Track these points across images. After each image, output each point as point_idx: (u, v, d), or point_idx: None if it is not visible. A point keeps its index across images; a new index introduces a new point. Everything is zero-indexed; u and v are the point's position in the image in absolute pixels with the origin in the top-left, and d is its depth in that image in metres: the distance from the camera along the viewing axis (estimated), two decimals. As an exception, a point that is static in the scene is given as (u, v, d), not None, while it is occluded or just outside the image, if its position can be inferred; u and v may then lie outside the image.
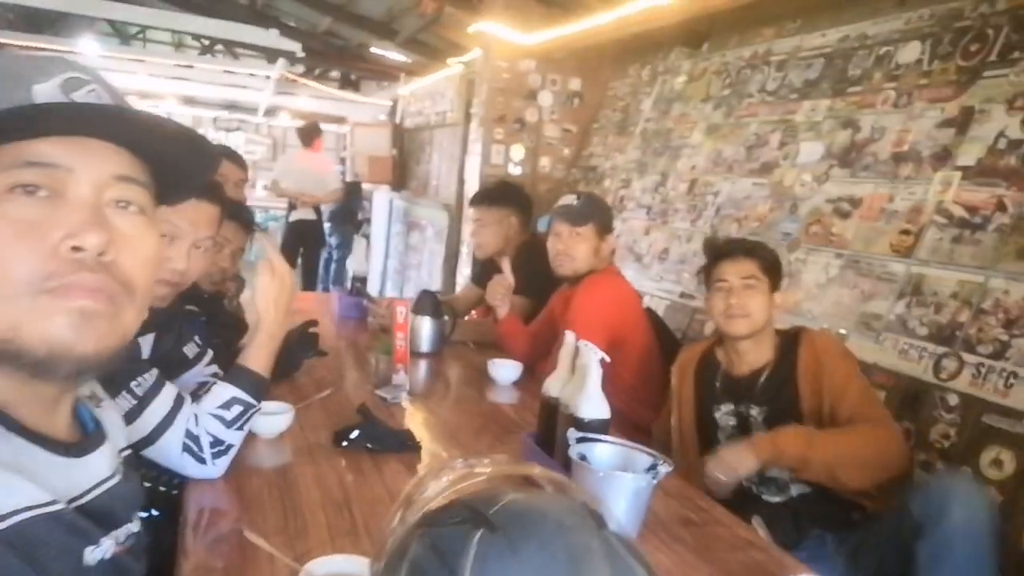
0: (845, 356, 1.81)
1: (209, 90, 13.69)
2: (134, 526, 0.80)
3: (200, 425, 1.39)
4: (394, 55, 7.04)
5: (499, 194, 3.08)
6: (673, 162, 3.60)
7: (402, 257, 7.22)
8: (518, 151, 4.51)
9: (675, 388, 1.97)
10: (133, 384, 1.33)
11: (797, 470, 1.70)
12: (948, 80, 2.41)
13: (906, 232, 2.35)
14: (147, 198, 0.73)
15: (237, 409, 1.44)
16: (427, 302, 2.66)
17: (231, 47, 12.23)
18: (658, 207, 3.57)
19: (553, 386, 1.62)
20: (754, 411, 1.83)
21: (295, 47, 6.95)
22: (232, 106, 16.84)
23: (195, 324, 1.85)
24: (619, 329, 2.27)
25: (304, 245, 6.62)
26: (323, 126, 13.80)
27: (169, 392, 1.38)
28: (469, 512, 0.70)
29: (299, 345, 2.24)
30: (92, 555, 0.70)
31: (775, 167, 2.95)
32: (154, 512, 1.44)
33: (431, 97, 6.41)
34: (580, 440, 1.41)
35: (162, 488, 1.47)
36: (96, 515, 0.72)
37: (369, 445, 1.65)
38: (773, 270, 1.85)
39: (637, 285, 3.06)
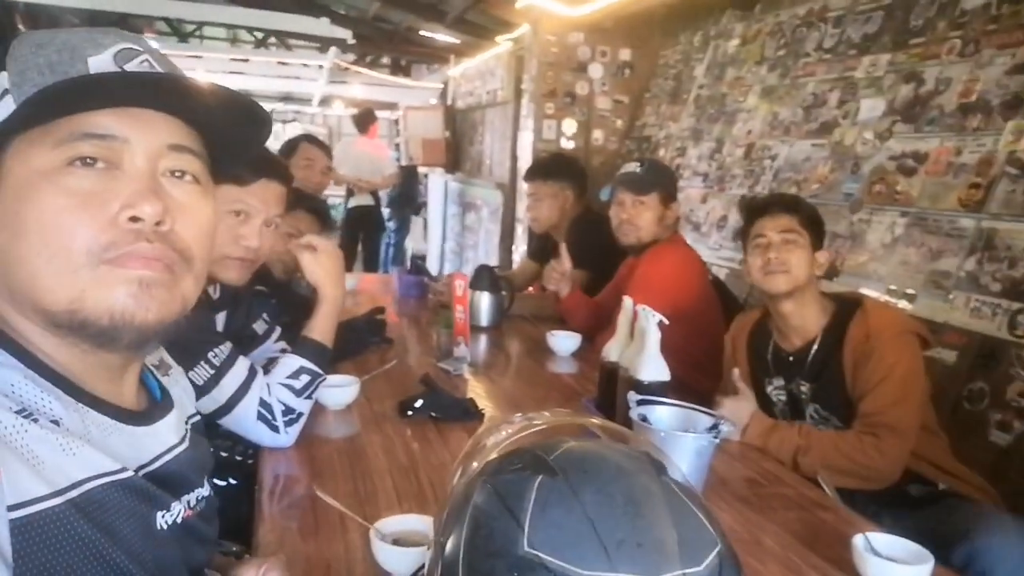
0: (899, 342, 1.64)
1: (265, 83, 13.97)
2: (204, 490, 0.83)
3: (272, 394, 1.45)
4: (443, 37, 7.05)
5: (553, 167, 3.08)
6: (728, 127, 3.53)
7: (458, 238, 7.29)
8: (570, 125, 4.48)
9: (727, 359, 1.94)
10: (210, 355, 1.39)
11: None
12: (1019, 23, 2.30)
13: (975, 186, 2.26)
14: (201, 168, 0.74)
15: (305, 379, 1.50)
16: (485, 277, 2.69)
17: (284, 39, 12.44)
18: (715, 174, 3.52)
19: (612, 350, 1.63)
20: (804, 388, 1.77)
21: (346, 34, 7.01)
22: (287, 98, 17.17)
23: (264, 303, 1.91)
24: (684, 299, 2.25)
25: (363, 230, 6.71)
26: (376, 112, 13.91)
27: (243, 363, 1.44)
28: (529, 459, 0.72)
29: (367, 331, 2.31)
30: (163, 519, 0.72)
31: (834, 127, 2.87)
32: (231, 480, 1.52)
33: (481, 77, 6.41)
34: (640, 403, 1.41)
35: (238, 457, 1.54)
36: (166, 481, 0.74)
37: (433, 414, 1.70)
38: (814, 226, 1.78)
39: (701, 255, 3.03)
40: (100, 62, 0.68)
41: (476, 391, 1.96)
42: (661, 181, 2.37)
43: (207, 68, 12.92)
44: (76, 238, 0.64)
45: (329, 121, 18.98)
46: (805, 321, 1.76)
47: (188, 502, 0.79)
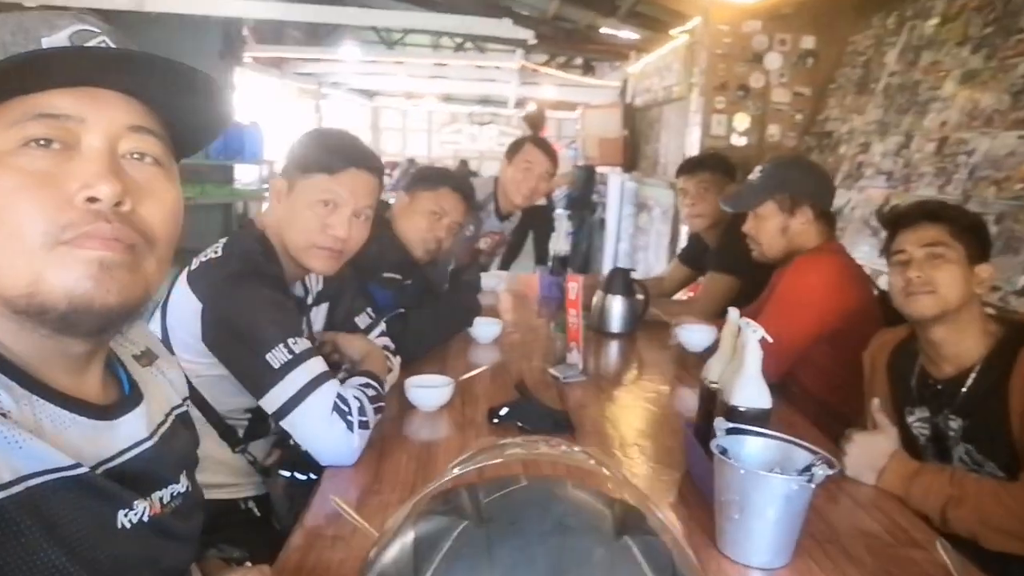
0: None
1: (464, 86, 14.56)
2: (180, 486, 0.80)
3: (350, 392, 1.42)
4: (623, 33, 6.90)
5: (701, 160, 2.87)
6: (919, 119, 3.09)
7: (631, 239, 7.09)
8: (742, 120, 4.17)
9: (866, 381, 1.65)
10: (290, 340, 1.37)
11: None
12: None
13: None
14: (163, 150, 0.71)
15: (373, 391, 1.47)
16: (619, 280, 2.54)
17: (478, 43, 12.86)
18: (900, 172, 3.09)
19: (713, 369, 1.44)
20: (953, 423, 1.46)
21: (527, 35, 7.07)
22: (485, 100, 17.79)
23: (371, 297, 1.92)
24: (832, 315, 1.97)
25: (534, 229, 6.70)
26: (563, 113, 13.99)
27: (320, 362, 1.43)
28: (465, 499, 0.61)
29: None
30: (126, 518, 0.70)
31: (1050, 115, 2.40)
32: (311, 475, 1.50)
33: (658, 73, 6.17)
34: (731, 432, 1.23)
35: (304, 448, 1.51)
36: (130, 478, 0.72)
37: (520, 423, 1.60)
38: (970, 236, 1.47)
39: (875, 263, 2.67)
40: (55, 42, 0.66)
41: (581, 401, 1.83)
42: (779, 186, 2.09)
43: (409, 73, 13.72)
44: (32, 219, 0.63)
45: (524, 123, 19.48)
46: (960, 348, 1.45)
47: (160, 499, 0.76)
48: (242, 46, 9.82)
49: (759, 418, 1.26)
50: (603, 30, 7.16)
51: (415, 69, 13.12)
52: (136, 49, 0.69)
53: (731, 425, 1.23)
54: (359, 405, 1.41)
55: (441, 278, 2.69)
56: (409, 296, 2.18)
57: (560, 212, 8.41)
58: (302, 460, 1.51)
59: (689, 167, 2.84)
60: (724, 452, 1.15)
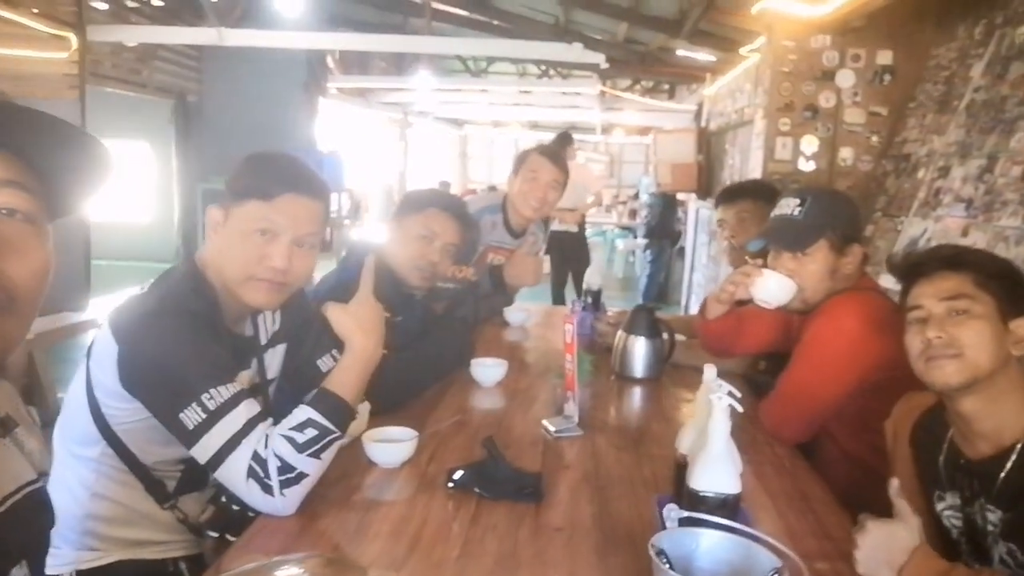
0: None
1: (548, 114, 14.56)
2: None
3: (269, 447, 1.27)
4: (699, 55, 6.64)
5: (738, 188, 2.60)
6: (1005, 139, 2.72)
7: (705, 269, 6.75)
8: (810, 143, 3.85)
9: (890, 454, 1.36)
10: (205, 396, 1.24)
11: None
12: None
13: None
14: (35, 206, 0.69)
15: (311, 432, 1.30)
16: (641, 319, 2.30)
17: (560, 70, 12.79)
18: (981, 200, 2.72)
19: (685, 438, 1.21)
20: (991, 515, 1.17)
21: (599, 58, 6.92)
22: (571, 128, 17.75)
23: (332, 335, 1.76)
24: (878, 366, 1.68)
25: (565, 257, 6.42)
26: (637, 138, 13.70)
27: (246, 409, 1.28)
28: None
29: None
30: None
31: None
32: (229, 536, 1.36)
33: (731, 95, 5.87)
34: (685, 522, 1.00)
35: (235, 507, 1.36)
36: None
37: (477, 489, 1.40)
38: (1000, 285, 1.20)
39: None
40: None
41: (569, 461, 1.62)
42: (830, 222, 1.78)
43: (494, 101, 13.83)
44: None
45: (611, 149, 19.26)
46: (997, 423, 1.16)
47: None
48: (326, 77, 10.09)
49: (723, 506, 1.03)
50: (679, 52, 6.92)
51: (500, 97, 13.21)
52: (12, 102, 0.68)
53: (685, 514, 1.00)
54: (278, 464, 1.25)
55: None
56: (402, 334, 2.02)
57: (595, 239, 8.14)
58: (234, 519, 1.38)
59: (728, 195, 2.59)
60: (661, 554, 0.92)
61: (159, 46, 7.92)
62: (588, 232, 7.26)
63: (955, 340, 1.16)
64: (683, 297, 7.43)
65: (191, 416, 1.24)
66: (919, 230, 3.04)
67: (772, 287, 1.85)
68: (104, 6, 6.88)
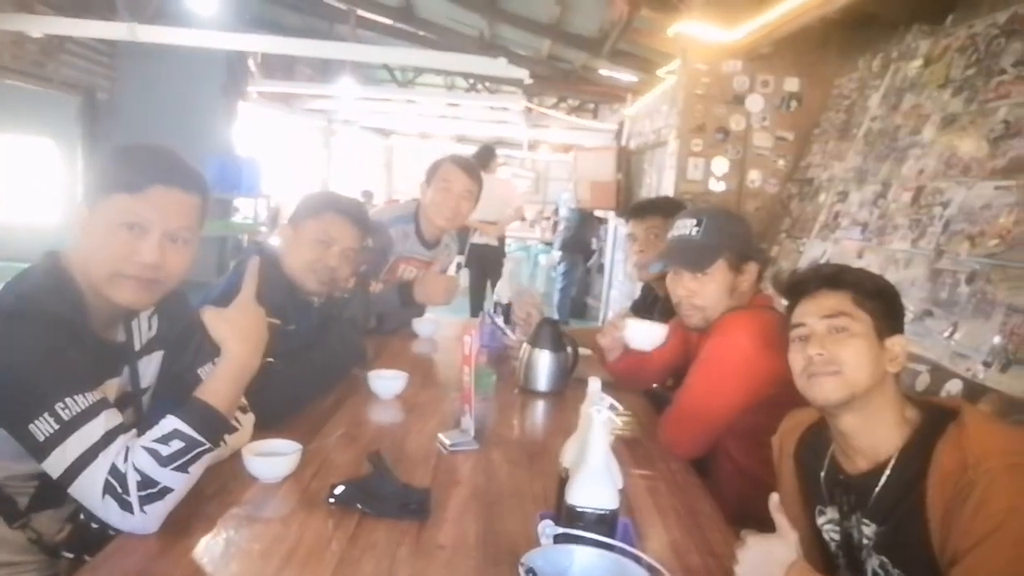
0: (1016, 476, 1.04)
1: (476, 128, 14.57)
2: None
3: (128, 461, 1.18)
4: (622, 75, 6.75)
5: (648, 204, 2.63)
6: (897, 167, 2.84)
7: (622, 286, 6.84)
8: (721, 164, 3.94)
9: (776, 466, 1.38)
10: (59, 406, 1.15)
11: None
12: None
13: None
14: None
15: (177, 445, 1.21)
16: (546, 332, 2.29)
17: (488, 84, 12.83)
18: (875, 224, 2.83)
19: (568, 452, 1.18)
20: (866, 529, 1.19)
21: (523, 74, 6.95)
22: (499, 143, 17.80)
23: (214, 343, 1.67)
24: (769, 382, 1.70)
25: (482, 271, 6.41)
26: (563, 156, 13.86)
27: (105, 420, 1.19)
28: None
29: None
30: None
31: (1031, 165, 2.14)
32: (87, 557, 1.26)
33: (649, 115, 5.99)
34: (561, 538, 0.97)
35: (94, 525, 1.27)
36: None
37: (360, 505, 1.34)
38: (877, 303, 1.23)
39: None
40: None
41: (460, 476, 1.58)
42: (728, 243, 1.83)
43: (422, 112, 13.74)
44: None
45: (537, 166, 19.39)
46: (874, 439, 1.18)
47: None
48: (247, 80, 9.82)
49: (601, 522, 1.00)
50: (601, 71, 7.02)
51: (427, 108, 13.13)
52: None
53: (560, 530, 0.97)
54: (139, 479, 1.17)
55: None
56: (296, 342, 1.94)
57: (514, 254, 8.20)
58: (93, 539, 1.27)
59: (638, 211, 2.61)
60: (531, 572, 0.89)
61: (66, 39, 7.54)
62: (511, 247, 7.28)
63: (835, 357, 1.19)
64: (601, 313, 7.52)
65: (42, 427, 1.15)
66: (819, 251, 3.14)
67: (642, 336, 1.89)
68: (5, -7, 6.51)
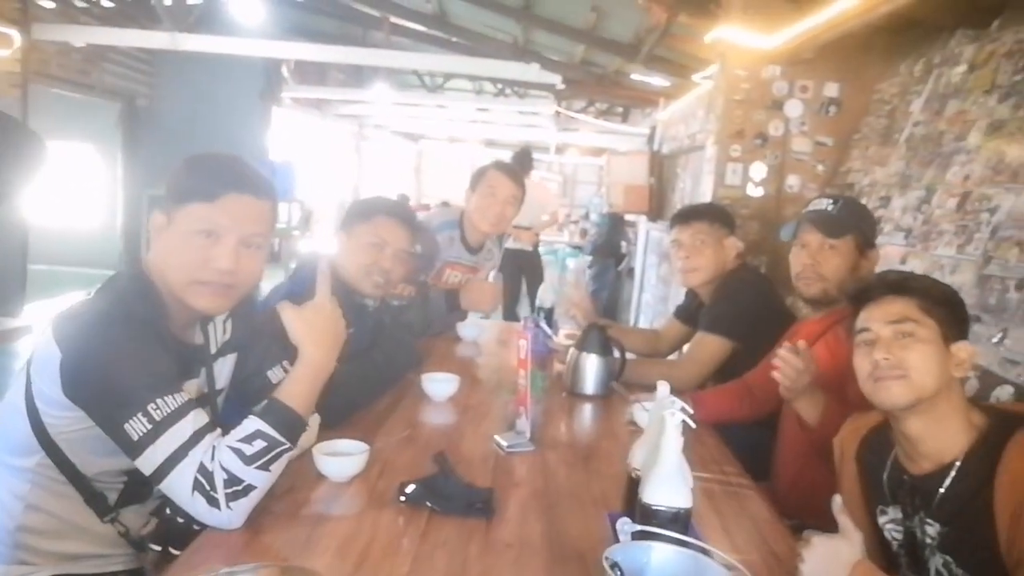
0: None
1: (505, 132, 14.64)
2: None
3: (215, 459, 1.24)
4: (654, 79, 6.77)
5: (698, 210, 2.66)
6: (942, 172, 2.84)
7: (654, 290, 6.85)
8: (759, 169, 3.95)
9: (837, 469, 1.41)
10: (151, 407, 1.21)
11: None
12: None
13: None
14: None
15: (260, 444, 1.27)
16: (593, 337, 2.32)
17: (517, 89, 12.90)
18: (919, 230, 2.83)
19: (638, 453, 1.22)
20: (929, 528, 1.21)
21: (555, 79, 7.00)
22: (527, 146, 17.83)
23: (286, 347, 1.73)
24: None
25: (517, 276, 6.45)
26: (591, 159, 13.84)
27: (193, 420, 1.25)
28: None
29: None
30: None
31: (1083, 171, 2.14)
32: (172, 550, 1.32)
33: (684, 120, 6.01)
34: (637, 536, 1.01)
35: (180, 519, 1.33)
36: None
37: (429, 503, 1.39)
38: (943, 310, 1.25)
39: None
40: None
41: (519, 477, 1.62)
42: (859, 224, 1.93)
43: (452, 117, 13.84)
44: None
45: (565, 169, 19.42)
46: (939, 443, 1.20)
47: None
48: (281, 86, 9.98)
49: (675, 520, 1.04)
50: (633, 76, 7.05)
51: (457, 113, 13.24)
52: None
53: (638, 528, 1.01)
54: (225, 476, 1.22)
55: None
56: (353, 345, 2.00)
57: (550, 257, 8.22)
58: (178, 533, 1.34)
59: (684, 217, 2.63)
60: (615, 567, 0.93)
61: (109, 48, 7.74)
62: (540, 251, 7.31)
63: (901, 362, 1.21)
64: (632, 317, 7.52)
65: (136, 427, 1.21)
66: (861, 257, 3.14)
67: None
68: (51, 5, 6.69)
